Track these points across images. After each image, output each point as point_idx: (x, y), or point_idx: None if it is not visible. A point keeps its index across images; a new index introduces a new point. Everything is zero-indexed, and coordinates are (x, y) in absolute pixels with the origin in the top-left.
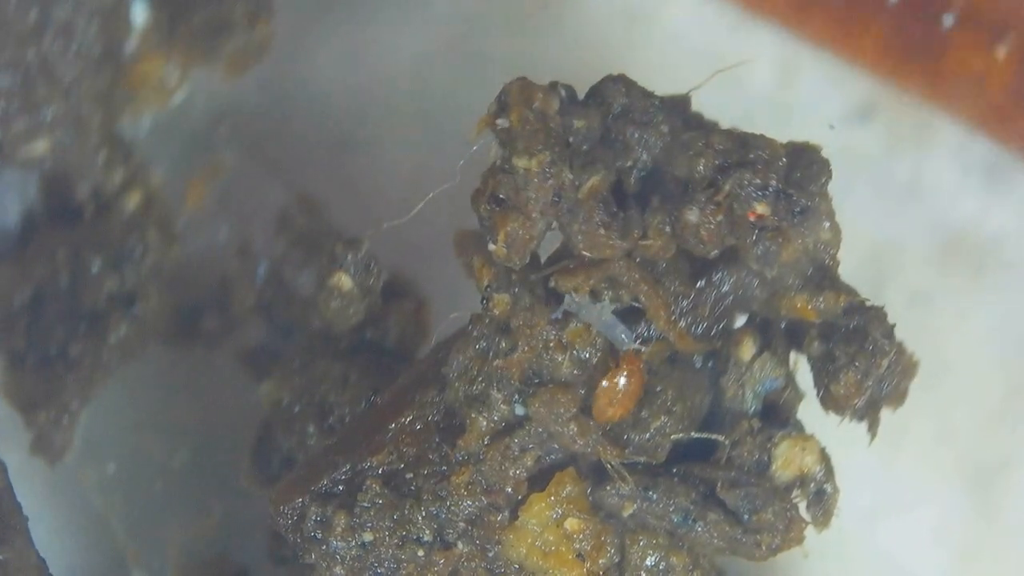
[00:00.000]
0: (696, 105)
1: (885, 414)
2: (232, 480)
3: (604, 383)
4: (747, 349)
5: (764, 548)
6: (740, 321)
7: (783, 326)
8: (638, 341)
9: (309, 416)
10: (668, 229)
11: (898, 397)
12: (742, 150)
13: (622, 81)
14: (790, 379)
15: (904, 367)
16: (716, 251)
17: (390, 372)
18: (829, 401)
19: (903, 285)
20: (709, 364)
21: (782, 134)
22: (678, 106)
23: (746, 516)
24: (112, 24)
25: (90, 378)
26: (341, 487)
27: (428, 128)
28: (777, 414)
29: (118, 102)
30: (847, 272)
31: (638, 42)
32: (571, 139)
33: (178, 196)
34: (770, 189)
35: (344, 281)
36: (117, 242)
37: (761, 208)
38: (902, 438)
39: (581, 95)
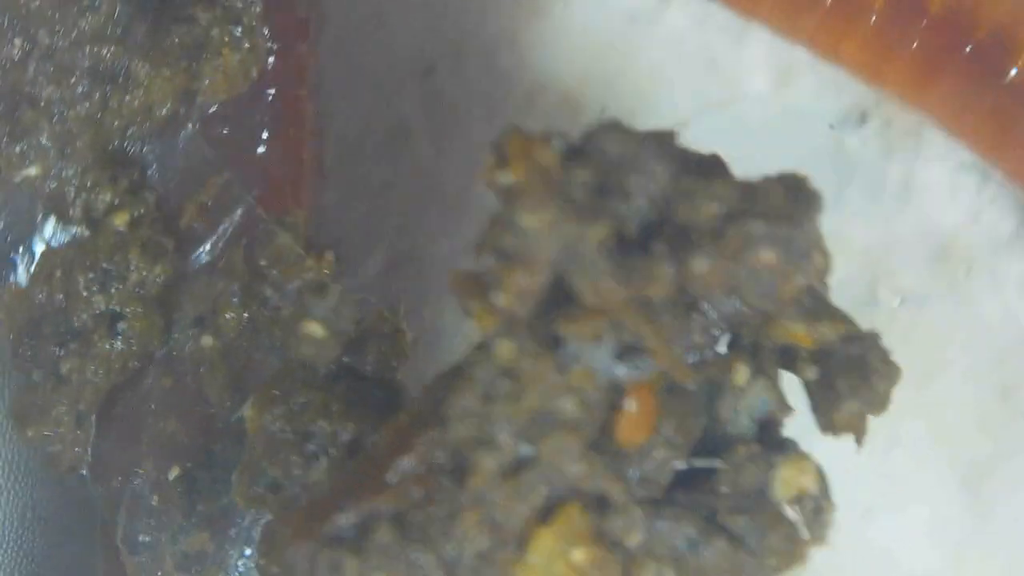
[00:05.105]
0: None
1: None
2: (224, 495)
3: (620, 419)
4: (741, 374)
5: (770, 571)
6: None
7: (773, 348)
8: (638, 373)
9: (292, 446)
10: (673, 275)
11: (880, 403)
12: (747, 200)
13: (616, 128)
14: (781, 398)
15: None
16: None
17: (372, 399)
18: (829, 427)
19: (895, 286)
20: (703, 388)
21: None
22: (666, 142)
23: (752, 543)
24: (100, 47)
25: (79, 394)
26: (350, 531)
27: (431, 138)
28: (771, 433)
29: (107, 124)
30: (840, 275)
31: (638, 48)
32: (573, 191)
33: (167, 216)
34: (778, 238)
35: (315, 329)
36: (105, 261)
37: (768, 256)
38: (895, 437)
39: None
